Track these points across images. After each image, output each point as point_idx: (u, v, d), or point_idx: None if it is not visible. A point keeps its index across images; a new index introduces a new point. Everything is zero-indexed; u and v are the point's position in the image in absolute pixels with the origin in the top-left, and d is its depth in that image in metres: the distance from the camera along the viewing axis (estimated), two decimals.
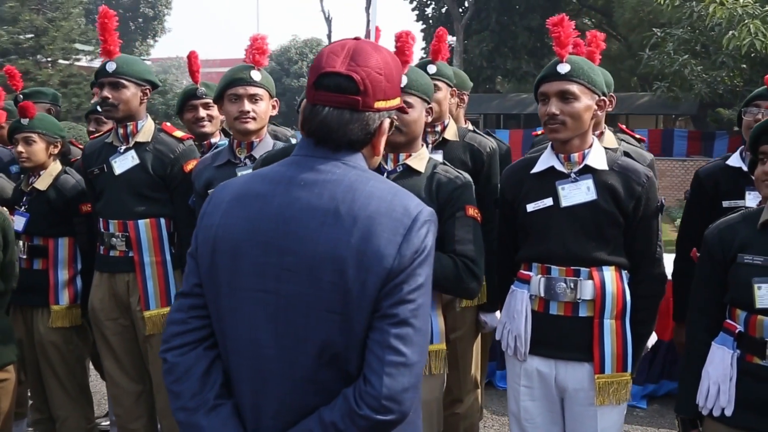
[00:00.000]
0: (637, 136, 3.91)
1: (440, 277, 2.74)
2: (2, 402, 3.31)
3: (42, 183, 3.82)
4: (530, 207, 2.81)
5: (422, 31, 34.13)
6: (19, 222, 3.80)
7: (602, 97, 2.75)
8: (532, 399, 2.87)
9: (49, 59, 24.62)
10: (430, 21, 33.74)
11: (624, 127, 4.00)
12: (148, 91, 3.64)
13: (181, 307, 1.89)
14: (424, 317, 1.73)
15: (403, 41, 2.85)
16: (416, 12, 33.66)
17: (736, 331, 2.54)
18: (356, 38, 1.84)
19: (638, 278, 2.82)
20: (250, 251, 1.76)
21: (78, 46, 25.97)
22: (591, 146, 2.78)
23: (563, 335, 2.77)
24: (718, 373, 2.55)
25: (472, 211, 2.83)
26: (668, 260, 3.61)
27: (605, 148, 3.20)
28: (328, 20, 36.77)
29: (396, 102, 1.88)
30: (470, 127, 3.98)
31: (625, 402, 2.80)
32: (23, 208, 3.84)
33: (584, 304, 2.74)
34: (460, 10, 30.42)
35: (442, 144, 3.62)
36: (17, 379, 3.44)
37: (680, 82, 17.29)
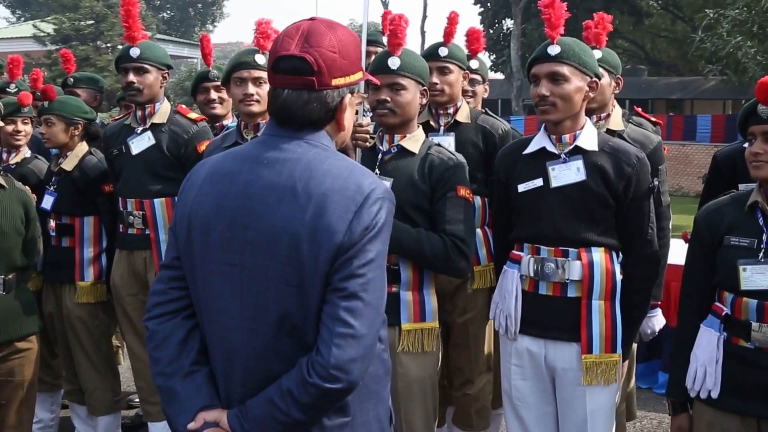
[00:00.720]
0: (653, 119, 3.87)
1: (429, 255, 2.79)
2: (25, 371, 3.44)
3: (69, 164, 3.97)
4: (521, 187, 2.82)
5: (480, 14, 33.70)
6: (47, 201, 3.96)
7: (594, 79, 2.74)
8: (524, 378, 2.89)
9: (108, 45, 25.23)
10: (488, 4, 33.27)
11: (639, 110, 3.95)
12: (166, 74, 3.80)
13: (161, 278, 2.00)
14: (374, 291, 1.79)
15: (395, 24, 2.89)
16: None
17: (723, 313, 2.53)
18: (311, 19, 1.90)
19: (631, 260, 2.81)
20: (217, 226, 1.85)
21: None
22: (583, 127, 2.78)
23: (552, 315, 2.78)
24: (705, 356, 2.55)
25: (463, 192, 2.86)
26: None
27: (608, 130, 3.21)
28: (385, 4, 36.65)
29: (357, 77, 1.93)
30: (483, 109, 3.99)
31: (615, 383, 2.79)
32: (52, 187, 4.00)
33: (572, 284, 2.75)
34: None
35: (454, 126, 3.63)
36: (40, 349, 3.59)
37: (734, 65, 16.67)
